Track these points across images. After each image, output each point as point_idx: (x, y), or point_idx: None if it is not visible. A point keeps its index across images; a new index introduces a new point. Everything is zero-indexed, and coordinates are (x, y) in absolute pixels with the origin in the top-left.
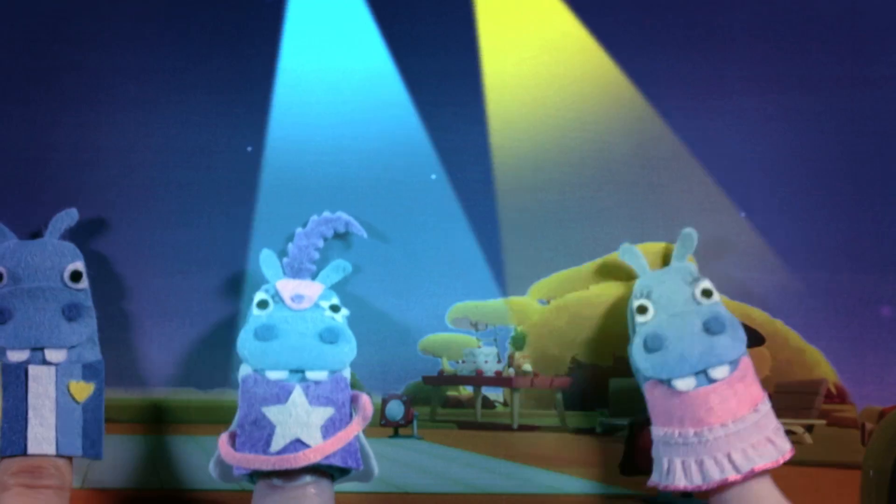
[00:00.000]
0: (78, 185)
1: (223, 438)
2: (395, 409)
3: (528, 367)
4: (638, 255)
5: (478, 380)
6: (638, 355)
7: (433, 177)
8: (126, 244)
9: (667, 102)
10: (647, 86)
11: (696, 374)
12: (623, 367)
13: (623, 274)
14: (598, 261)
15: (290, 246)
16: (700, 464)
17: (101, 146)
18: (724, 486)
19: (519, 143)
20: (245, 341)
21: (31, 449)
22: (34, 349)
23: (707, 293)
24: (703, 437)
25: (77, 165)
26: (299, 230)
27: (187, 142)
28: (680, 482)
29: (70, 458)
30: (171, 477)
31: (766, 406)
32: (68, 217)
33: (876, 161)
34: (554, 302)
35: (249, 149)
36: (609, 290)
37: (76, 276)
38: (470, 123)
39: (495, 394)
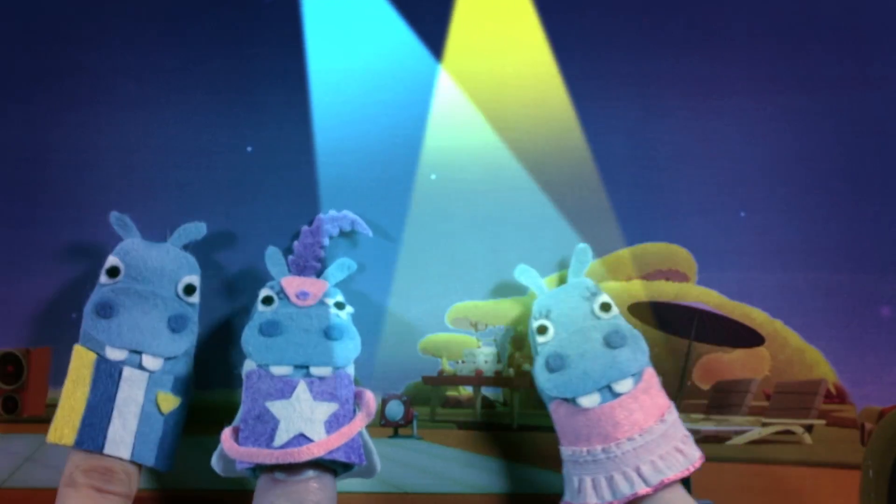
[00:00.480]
0: (78, 185)
1: (226, 433)
2: (395, 409)
3: (528, 367)
4: (534, 275)
5: (478, 380)
6: (541, 376)
7: (433, 177)
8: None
9: (667, 102)
10: (646, 85)
11: (600, 389)
12: None
13: (623, 274)
14: (598, 261)
15: (296, 244)
16: (609, 479)
17: (101, 146)
18: (636, 500)
19: (519, 143)
20: (249, 337)
21: (108, 449)
22: (133, 351)
23: (606, 307)
24: (611, 452)
25: (77, 165)
26: (305, 228)
27: (187, 142)
28: (591, 500)
29: (140, 467)
30: (171, 477)
31: (672, 415)
32: (196, 230)
33: (876, 161)
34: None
35: (249, 149)
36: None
37: (190, 289)
38: (472, 123)
39: (495, 394)
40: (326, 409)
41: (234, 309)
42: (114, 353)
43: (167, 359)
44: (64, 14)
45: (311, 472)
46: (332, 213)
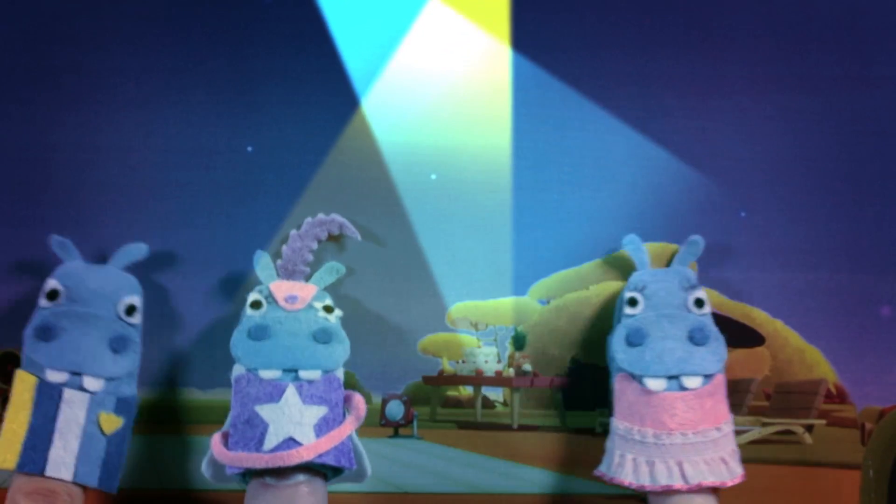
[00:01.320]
0: (78, 185)
1: (216, 438)
2: (395, 409)
3: (528, 367)
4: (642, 248)
5: (478, 380)
6: (617, 345)
7: (433, 177)
8: (126, 244)
9: (667, 102)
10: (646, 86)
11: (669, 377)
12: None
13: (623, 274)
14: (598, 261)
15: (285, 248)
16: (651, 465)
17: (101, 146)
18: (668, 492)
19: (519, 142)
20: (238, 341)
21: (49, 471)
22: (73, 373)
23: (699, 303)
24: (661, 440)
25: (77, 165)
26: (293, 232)
27: (187, 142)
28: (627, 477)
29: (84, 488)
30: (171, 477)
31: (728, 427)
32: (137, 251)
33: (876, 161)
34: (554, 302)
35: (249, 149)
36: (609, 291)
37: (131, 310)
38: (469, 123)
39: (495, 394)
40: (316, 412)
41: (234, 310)
42: (54, 376)
43: (109, 379)
44: (64, 14)
45: (301, 477)
46: (321, 216)
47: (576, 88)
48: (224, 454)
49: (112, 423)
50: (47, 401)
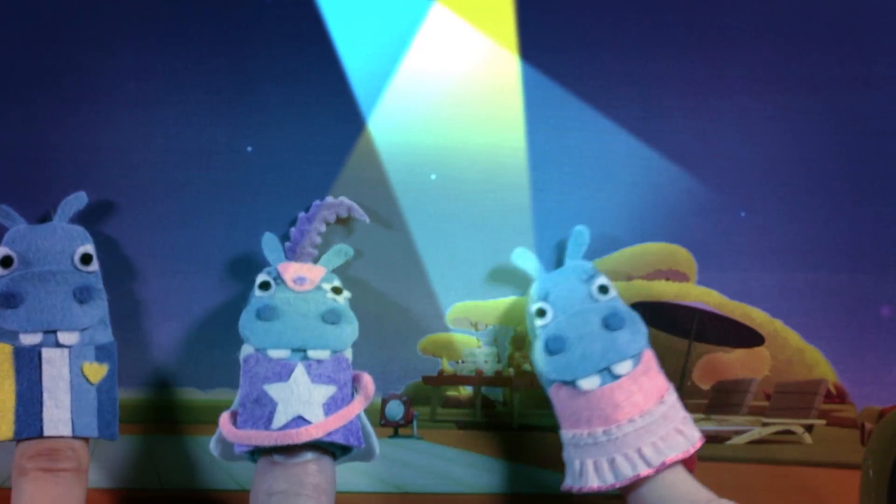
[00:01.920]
0: (78, 186)
1: (224, 417)
2: (395, 409)
3: (528, 367)
4: (531, 258)
5: (478, 380)
6: (540, 359)
7: (433, 177)
8: (126, 244)
9: (667, 102)
10: (646, 86)
11: (600, 371)
12: None
13: (623, 274)
14: (598, 261)
15: (293, 230)
16: (611, 462)
17: (101, 146)
18: (638, 482)
19: (519, 142)
20: (247, 321)
21: (48, 431)
22: (47, 332)
23: (603, 289)
24: (612, 434)
25: (77, 165)
26: (302, 214)
27: (187, 142)
28: (593, 482)
29: (86, 440)
30: (172, 477)
31: (671, 397)
32: (77, 200)
33: (876, 161)
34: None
35: (249, 149)
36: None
37: (86, 258)
38: (470, 123)
39: (495, 394)
40: (324, 391)
41: (234, 309)
42: (28, 339)
43: (82, 330)
44: (64, 14)
45: (309, 455)
46: (329, 199)
47: (576, 88)
48: (233, 432)
49: (97, 371)
50: (28, 365)
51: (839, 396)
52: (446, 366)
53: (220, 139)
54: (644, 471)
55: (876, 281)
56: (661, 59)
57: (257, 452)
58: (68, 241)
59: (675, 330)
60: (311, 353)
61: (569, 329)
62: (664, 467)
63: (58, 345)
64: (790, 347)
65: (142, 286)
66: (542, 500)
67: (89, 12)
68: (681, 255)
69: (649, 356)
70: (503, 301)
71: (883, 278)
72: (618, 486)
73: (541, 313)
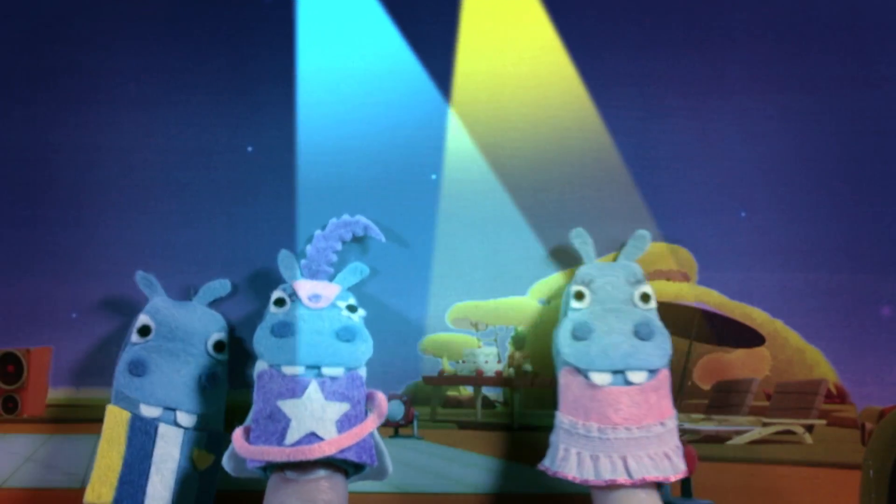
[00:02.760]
0: (78, 185)
1: (237, 433)
2: (395, 409)
3: (528, 367)
4: (588, 241)
5: (478, 380)
6: (563, 339)
7: (433, 177)
8: (126, 244)
9: (667, 102)
10: (647, 86)
11: (615, 372)
12: None
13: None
14: (598, 261)
15: (309, 248)
16: (595, 459)
17: (101, 146)
18: (611, 487)
19: (519, 143)
20: (261, 338)
21: None
22: (167, 408)
23: (646, 298)
24: (606, 434)
25: (77, 165)
26: (318, 233)
27: (187, 142)
28: (571, 472)
29: None
30: None
31: (672, 423)
32: (221, 287)
33: (876, 161)
34: (554, 302)
35: (250, 149)
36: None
37: (219, 346)
38: (470, 123)
39: (495, 394)
40: (338, 408)
41: (234, 309)
42: (148, 411)
43: (200, 415)
44: (64, 14)
45: (322, 472)
46: (346, 217)
47: (576, 88)
48: (246, 448)
49: (205, 459)
50: (142, 435)
51: (839, 396)
52: (446, 366)
53: (220, 139)
54: (622, 479)
55: (876, 281)
56: (661, 59)
57: (270, 468)
58: (206, 325)
59: (675, 330)
60: (326, 371)
61: (600, 322)
62: (642, 483)
63: (175, 423)
64: (790, 347)
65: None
66: (543, 500)
67: (89, 12)
68: (681, 255)
69: (665, 376)
70: (503, 301)
71: (883, 278)
72: (592, 483)
73: (579, 296)
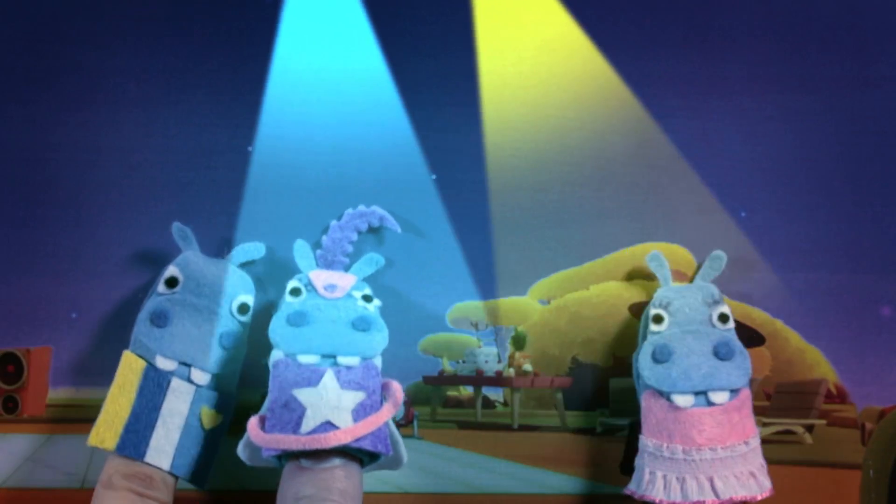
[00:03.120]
0: (78, 185)
1: (253, 421)
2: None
3: (528, 367)
4: (664, 264)
5: (478, 380)
6: (644, 363)
7: (433, 177)
8: (126, 244)
9: (667, 102)
10: (647, 86)
11: (697, 393)
12: (623, 367)
13: (623, 274)
14: (598, 261)
15: (325, 238)
16: (682, 481)
17: (101, 146)
18: None
19: (519, 143)
20: (277, 327)
21: (150, 457)
22: (182, 363)
23: (724, 318)
24: (691, 456)
25: (77, 165)
26: (334, 223)
27: (187, 142)
28: (658, 494)
29: (176, 479)
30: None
31: (756, 441)
32: (255, 250)
33: (876, 161)
34: (554, 302)
35: (250, 149)
36: (609, 290)
37: (244, 308)
38: (470, 124)
39: (495, 394)
40: (353, 397)
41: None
42: (164, 363)
43: (214, 375)
44: (64, 14)
45: (337, 461)
46: (361, 208)
47: (576, 88)
48: (261, 436)
49: (213, 418)
50: (154, 387)
51: (839, 396)
52: (446, 366)
53: (221, 139)
54: (710, 500)
55: (876, 281)
56: (661, 59)
57: (285, 457)
58: (234, 286)
59: None
60: (341, 360)
61: (680, 344)
62: (730, 503)
63: (188, 380)
64: (791, 347)
65: (141, 285)
66: (543, 500)
67: (89, 12)
68: (681, 255)
69: (747, 395)
70: (503, 301)
71: (883, 278)
72: None
73: (658, 320)
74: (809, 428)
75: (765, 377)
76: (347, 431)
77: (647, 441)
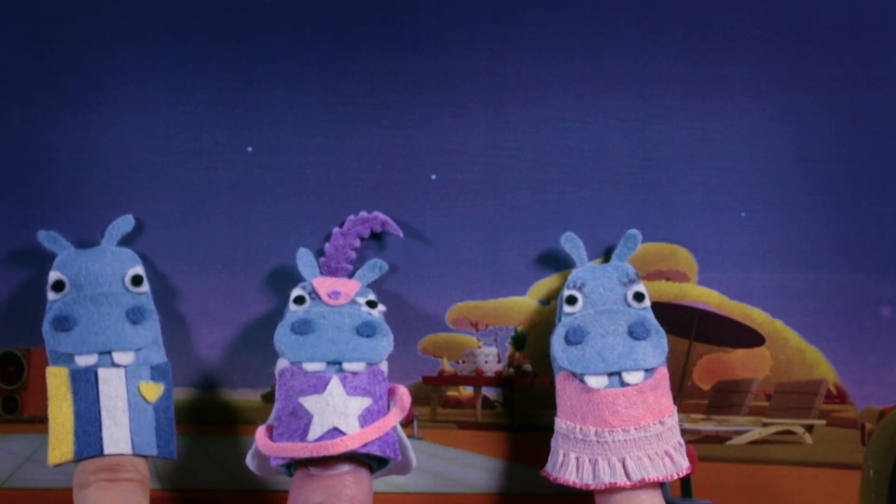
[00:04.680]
0: (78, 185)
1: (260, 431)
2: None
3: (528, 367)
4: (580, 245)
5: (478, 380)
6: (557, 345)
7: (433, 177)
8: (126, 244)
9: (667, 102)
10: (647, 86)
11: (610, 374)
12: None
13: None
14: (598, 261)
15: (327, 246)
16: (594, 463)
17: (101, 146)
18: (612, 490)
19: (519, 143)
20: (282, 336)
21: (108, 449)
22: (101, 353)
23: (639, 297)
24: (603, 437)
25: (77, 165)
26: (336, 230)
27: (187, 142)
28: (570, 477)
29: (146, 458)
30: (175, 478)
31: (672, 420)
32: (124, 224)
33: (876, 161)
34: (554, 302)
35: (250, 149)
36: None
37: (137, 280)
38: (470, 123)
39: (495, 394)
40: (360, 403)
41: (234, 309)
42: (84, 360)
43: (137, 350)
44: (64, 14)
45: (346, 467)
46: (363, 213)
47: (576, 88)
48: (269, 446)
49: (153, 390)
50: (85, 385)
51: (839, 396)
52: (446, 366)
53: (221, 139)
54: (621, 482)
55: (876, 281)
56: (661, 59)
57: (293, 465)
58: (118, 264)
59: (675, 330)
60: (347, 366)
61: (593, 324)
62: (641, 484)
63: (113, 365)
64: (790, 347)
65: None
66: (543, 500)
67: (89, 12)
68: (681, 255)
69: (662, 374)
70: (503, 301)
71: (883, 278)
72: (592, 487)
73: (571, 301)
74: (809, 428)
75: (765, 377)
76: (355, 437)
77: (560, 423)
